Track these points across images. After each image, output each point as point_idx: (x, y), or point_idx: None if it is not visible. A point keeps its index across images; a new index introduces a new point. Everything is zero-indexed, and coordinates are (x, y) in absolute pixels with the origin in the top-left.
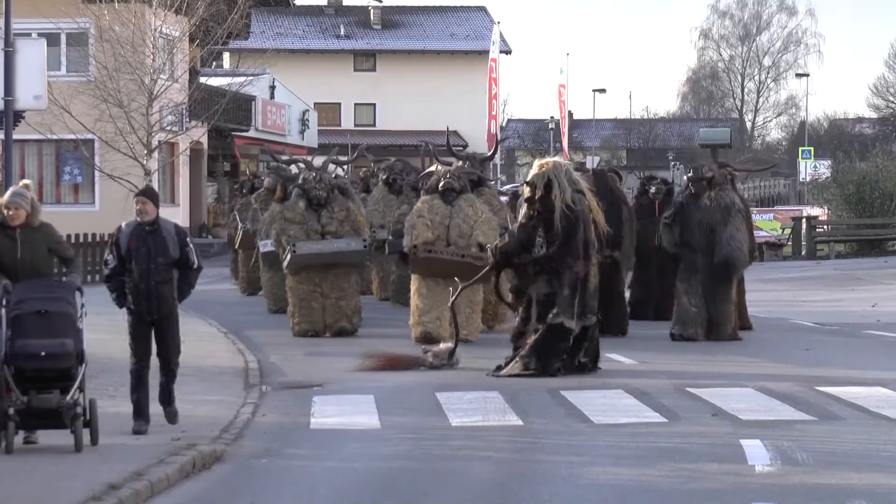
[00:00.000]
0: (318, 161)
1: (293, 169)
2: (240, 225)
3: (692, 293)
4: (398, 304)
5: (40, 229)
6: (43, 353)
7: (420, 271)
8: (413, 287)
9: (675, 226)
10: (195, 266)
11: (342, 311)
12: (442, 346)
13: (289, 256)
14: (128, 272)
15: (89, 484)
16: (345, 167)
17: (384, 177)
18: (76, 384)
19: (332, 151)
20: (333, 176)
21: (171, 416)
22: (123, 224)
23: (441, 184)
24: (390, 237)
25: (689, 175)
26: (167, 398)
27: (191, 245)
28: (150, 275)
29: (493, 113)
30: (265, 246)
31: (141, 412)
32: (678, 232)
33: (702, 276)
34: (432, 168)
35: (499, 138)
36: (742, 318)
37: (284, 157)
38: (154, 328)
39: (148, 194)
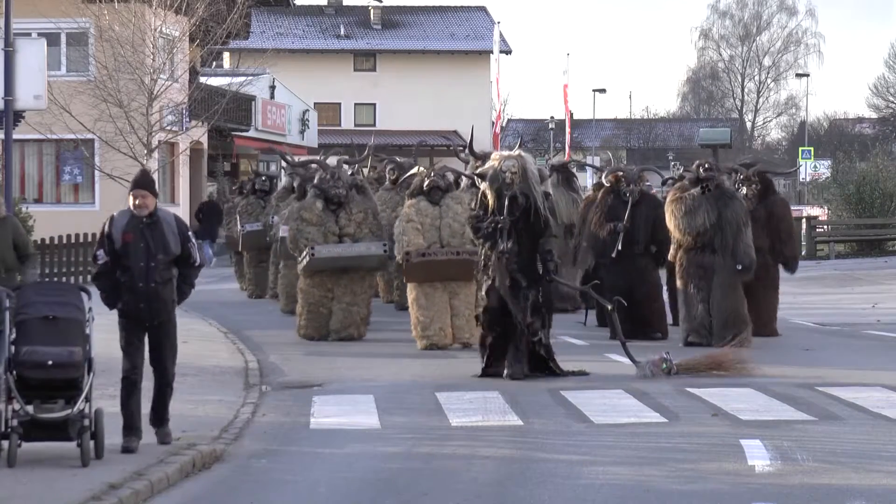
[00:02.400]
0: (331, 161)
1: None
2: (239, 227)
3: (704, 299)
4: (404, 309)
5: (7, 221)
6: (50, 363)
7: (416, 278)
8: (411, 297)
9: (710, 211)
10: (197, 263)
11: (352, 318)
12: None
13: (307, 259)
14: (122, 270)
15: (89, 484)
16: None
17: (393, 177)
18: (83, 394)
19: (331, 150)
20: (350, 174)
21: (164, 436)
22: (116, 213)
23: (426, 183)
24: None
25: (706, 171)
26: (160, 417)
27: (193, 239)
28: (150, 275)
29: (496, 114)
30: (284, 231)
31: (132, 426)
32: (713, 219)
33: (721, 277)
34: (414, 170)
35: (500, 138)
36: (772, 323)
37: (301, 159)
38: (149, 333)
39: (146, 185)
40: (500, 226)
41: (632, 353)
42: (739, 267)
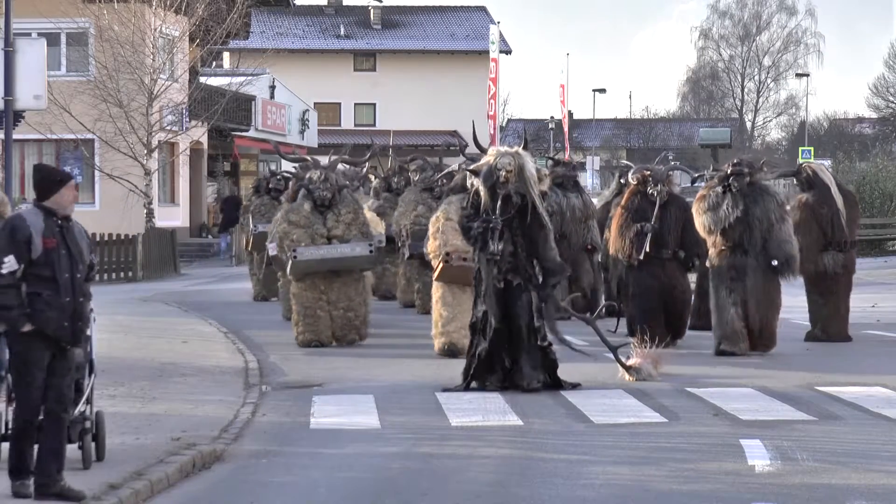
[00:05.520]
0: (326, 160)
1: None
2: (251, 227)
3: (736, 303)
4: (424, 312)
5: None
6: None
7: (448, 280)
8: (436, 295)
9: (736, 206)
10: (94, 273)
11: (351, 324)
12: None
13: (289, 263)
14: (40, 281)
15: (89, 484)
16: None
17: (416, 177)
18: (84, 396)
19: (342, 150)
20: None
21: (19, 488)
22: (24, 210)
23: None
24: (409, 241)
25: (735, 166)
26: (47, 467)
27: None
28: (76, 287)
29: (493, 113)
30: (272, 249)
31: (23, 468)
32: (739, 213)
33: (754, 281)
34: (453, 167)
35: (499, 138)
36: (843, 327)
37: (291, 156)
38: (54, 357)
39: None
40: (491, 225)
41: (622, 360)
42: (774, 262)
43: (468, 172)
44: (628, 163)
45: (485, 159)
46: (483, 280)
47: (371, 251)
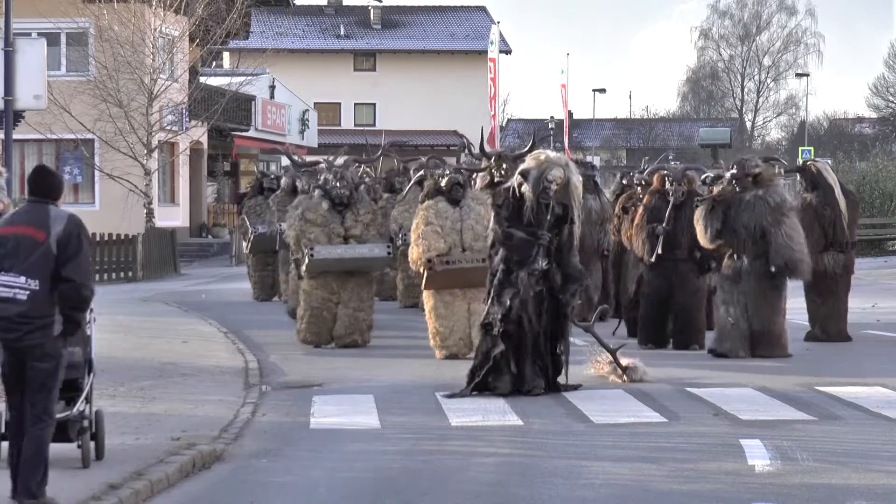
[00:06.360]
0: (339, 161)
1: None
2: (250, 228)
3: (732, 303)
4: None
5: None
6: None
7: (437, 286)
8: (428, 306)
9: (716, 218)
10: None
11: (357, 324)
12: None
13: (307, 260)
14: None
15: (89, 484)
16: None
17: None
18: (83, 395)
19: (340, 151)
20: (359, 175)
21: None
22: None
23: (445, 181)
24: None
25: (733, 171)
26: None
27: None
28: None
29: (493, 113)
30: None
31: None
32: (719, 225)
33: (747, 284)
34: (421, 173)
35: (499, 138)
36: (842, 327)
37: (308, 159)
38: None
39: None
40: (540, 241)
41: (621, 362)
42: (773, 269)
43: (519, 174)
44: (646, 159)
45: (531, 163)
46: (515, 287)
47: (389, 253)
